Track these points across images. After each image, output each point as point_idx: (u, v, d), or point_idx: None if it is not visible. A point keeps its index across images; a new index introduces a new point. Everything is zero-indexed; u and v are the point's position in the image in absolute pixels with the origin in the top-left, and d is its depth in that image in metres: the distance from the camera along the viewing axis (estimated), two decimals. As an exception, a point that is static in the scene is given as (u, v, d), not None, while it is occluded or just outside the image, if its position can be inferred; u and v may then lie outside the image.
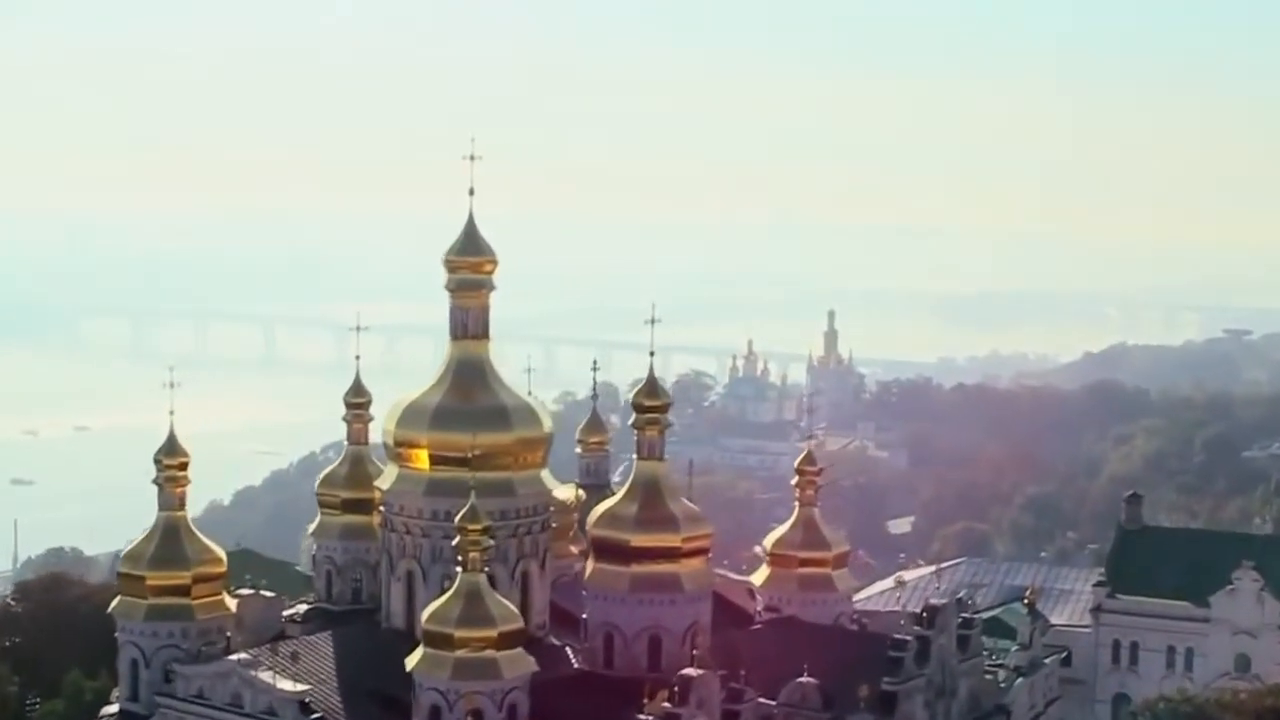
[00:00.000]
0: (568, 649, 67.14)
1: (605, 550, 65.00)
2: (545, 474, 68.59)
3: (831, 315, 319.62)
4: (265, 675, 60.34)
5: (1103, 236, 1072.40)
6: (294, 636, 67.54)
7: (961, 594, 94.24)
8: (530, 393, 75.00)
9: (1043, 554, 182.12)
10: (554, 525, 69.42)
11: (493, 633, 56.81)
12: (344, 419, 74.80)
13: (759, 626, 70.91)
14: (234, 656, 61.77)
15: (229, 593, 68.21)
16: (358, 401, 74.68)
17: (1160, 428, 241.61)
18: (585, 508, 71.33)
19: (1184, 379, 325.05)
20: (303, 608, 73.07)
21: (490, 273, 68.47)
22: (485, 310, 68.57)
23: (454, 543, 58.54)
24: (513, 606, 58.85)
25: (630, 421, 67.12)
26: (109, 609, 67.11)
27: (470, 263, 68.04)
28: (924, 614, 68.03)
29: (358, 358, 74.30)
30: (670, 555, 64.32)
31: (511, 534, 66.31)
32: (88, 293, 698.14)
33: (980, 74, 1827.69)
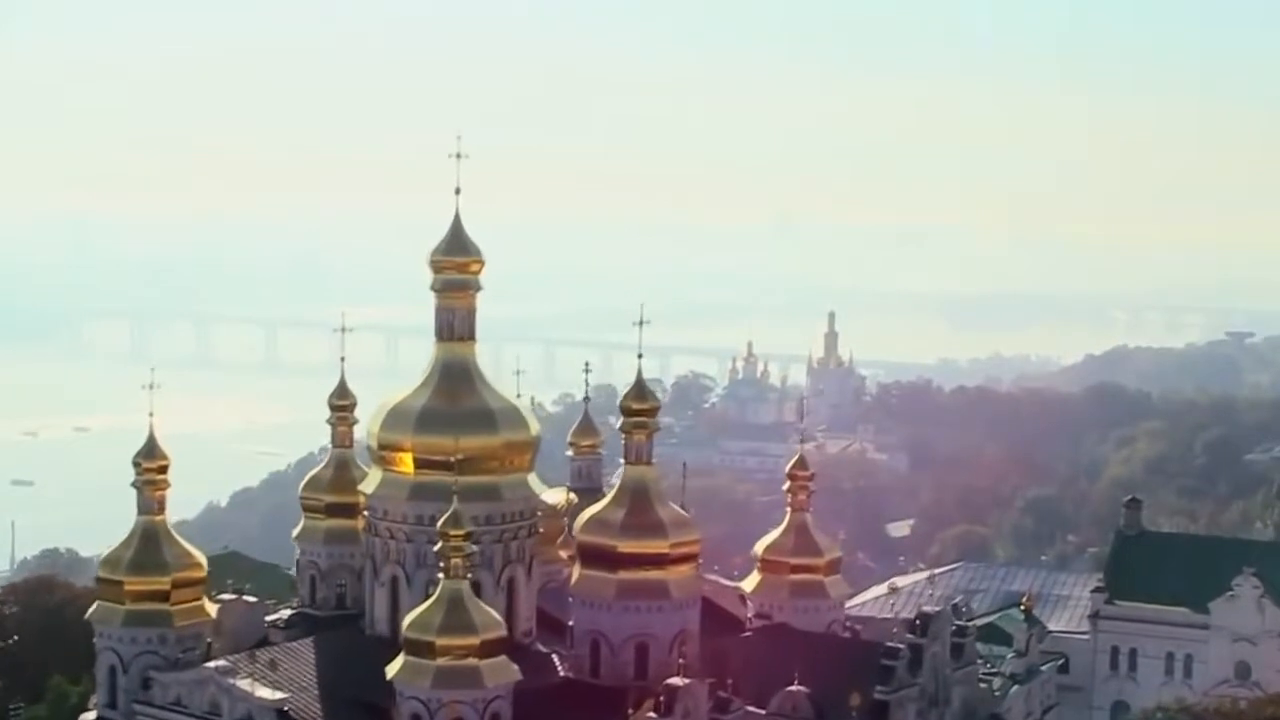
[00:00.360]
0: (554, 656, 65.92)
1: (592, 556, 63.81)
2: (532, 478, 67.43)
3: (832, 317, 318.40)
4: (243, 683, 59.15)
5: (1107, 239, 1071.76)
6: (277, 642, 66.46)
7: (957, 600, 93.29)
8: (519, 395, 74.10)
9: (1043, 557, 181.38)
10: (541, 530, 68.26)
11: (475, 641, 55.67)
12: (328, 421, 73.65)
13: (749, 634, 69.66)
14: (212, 664, 60.59)
15: (210, 598, 67.05)
16: (342, 404, 73.56)
17: (1162, 430, 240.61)
18: (576, 512, 70.11)
19: (1186, 381, 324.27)
20: (286, 613, 71.81)
21: (477, 273, 67.26)
22: (472, 311, 67.36)
23: (436, 548, 57.36)
24: (496, 614, 57.69)
25: (618, 425, 65.97)
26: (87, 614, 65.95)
27: (456, 263, 66.86)
28: (917, 621, 66.87)
29: (342, 359, 73.14)
30: (658, 562, 63.10)
31: (497, 539, 65.14)
32: (89, 295, 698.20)
33: (982, 75, 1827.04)
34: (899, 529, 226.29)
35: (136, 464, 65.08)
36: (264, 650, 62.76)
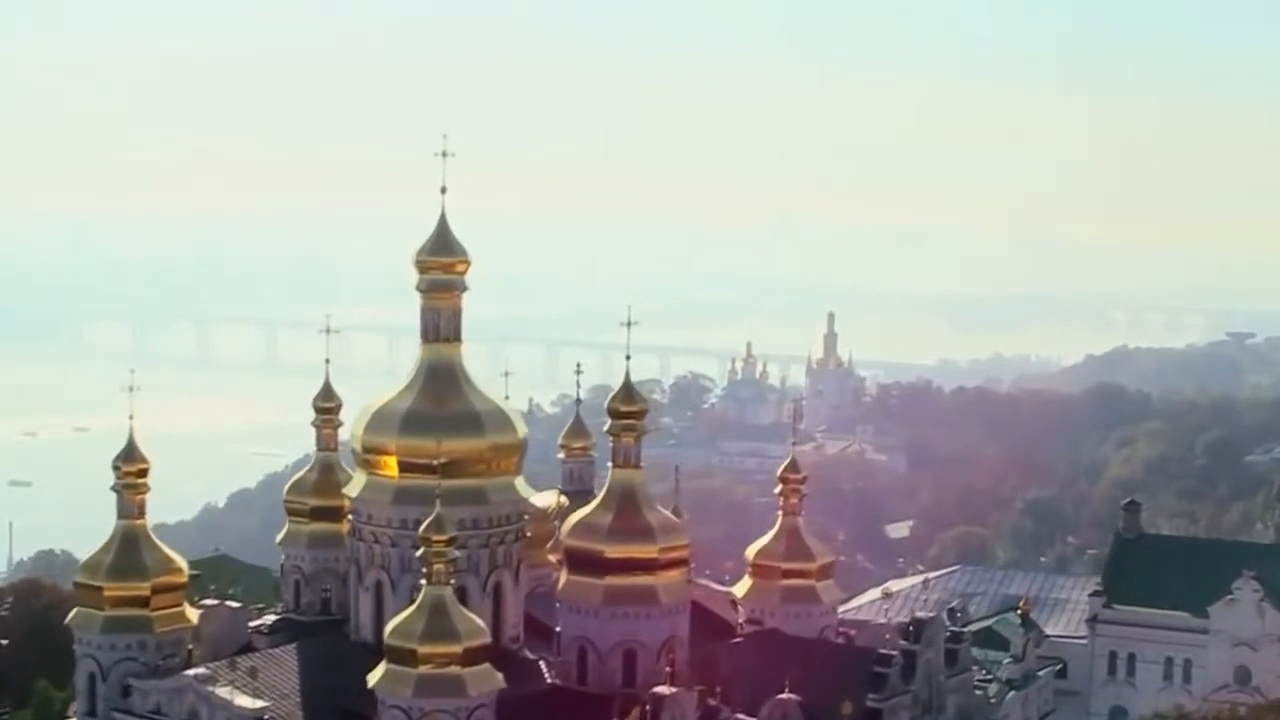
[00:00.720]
0: (541, 663, 64.81)
1: (579, 561, 62.68)
2: (519, 481, 66.37)
3: (831, 317, 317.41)
4: (223, 691, 58.04)
5: (1107, 240, 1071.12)
6: (260, 648, 65.40)
7: (953, 604, 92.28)
8: (507, 397, 73.05)
9: (1042, 558, 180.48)
10: (529, 534, 67.20)
11: (457, 648, 54.52)
12: (313, 424, 72.54)
13: (740, 640, 68.49)
14: (191, 671, 59.48)
15: (193, 603, 66.00)
16: (327, 406, 72.40)
17: (1162, 431, 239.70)
18: (567, 515, 69.03)
19: (1186, 382, 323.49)
20: (271, 618, 70.73)
21: (463, 273, 66.17)
22: (457, 312, 66.26)
23: (418, 554, 56.27)
24: (479, 620, 56.52)
25: (605, 428, 64.92)
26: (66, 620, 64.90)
27: (442, 263, 65.76)
28: (910, 627, 65.74)
29: (327, 361, 72.00)
30: (646, 567, 61.93)
31: (484, 544, 64.10)
32: (88, 295, 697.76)
33: (983, 76, 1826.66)
34: (898, 530, 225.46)
35: (116, 467, 64.08)
36: (245, 657, 61.60)
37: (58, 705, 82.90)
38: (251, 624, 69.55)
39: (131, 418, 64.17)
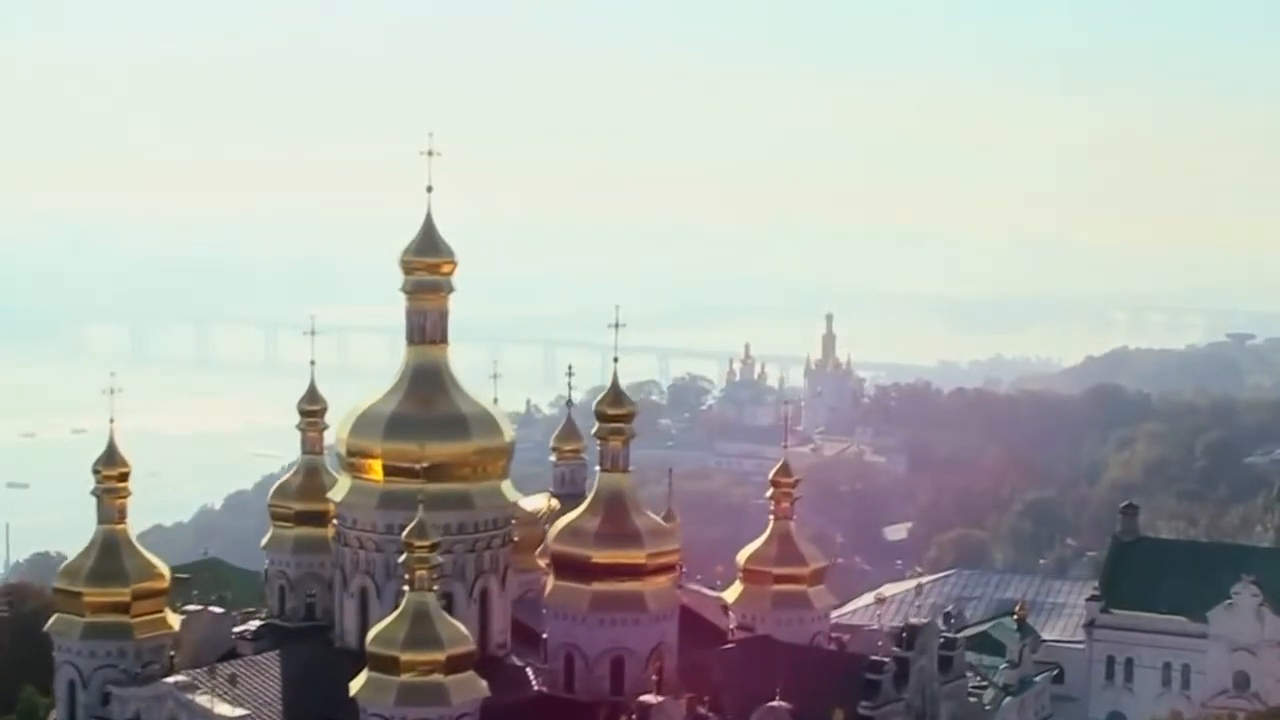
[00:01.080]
0: (529, 670, 63.81)
1: (566, 567, 61.63)
2: (506, 485, 65.37)
3: (830, 319, 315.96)
4: (203, 699, 57.10)
5: (1107, 240, 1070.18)
6: (245, 654, 64.49)
7: (949, 608, 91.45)
8: (496, 400, 72.14)
9: (1041, 561, 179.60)
10: (518, 538, 66.21)
11: (440, 656, 53.54)
12: (298, 427, 71.54)
13: (731, 646, 67.44)
14: (171, 679, 58.52)
15: (175, 609, 65.05)
16: (312, 409, 71.38)
17: (1161, 433, 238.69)
18: (557, 518, 68.01)
19: (1186, 383, 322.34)
20: (255, 624, 69.70)
21: (449, 274, 65.20)
22: (444, 313, 65.31)
23: (401, 560, 55.29)
24: (463, 628, 55.51)
25: (593, 431, 63.98)
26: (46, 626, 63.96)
27: (428, 263, 64.81)
28: (903, 634, 64.74)
29: (312, 363, 71.07)
30: (634, 573, 60.85)
31: (470, 549, 63.13)
32: (88, 296, 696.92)
33: (983, 77, 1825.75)
34: (896, 532, 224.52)
35: (96, 471, 63.13)
36: (226, 664, 60.66)
37: (42, 712, 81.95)
38: (236, 630, 68.60)
39: (112, 420, 63.28)
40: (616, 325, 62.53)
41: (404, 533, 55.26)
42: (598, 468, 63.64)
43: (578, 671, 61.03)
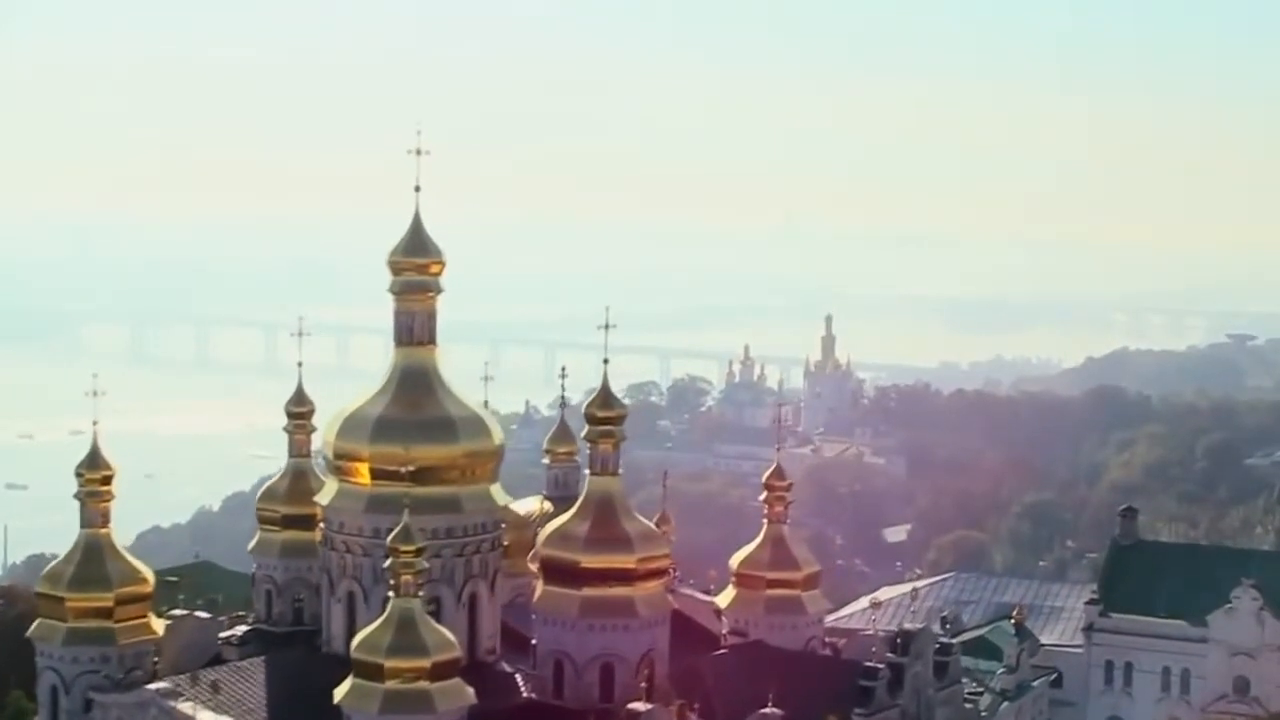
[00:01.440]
0: (518, 676, 62.95)
1: (555, 572, 60.76)
2: (496, 488, 64.42)
3: (829, 320, 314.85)
4: (185, 706, 56.23)
5: (1108, 241, 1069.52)
6: (231, 660, 63.65)
7: (946, 612, 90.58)
8: (486, 402, 71.36)
9: (1041, 563, 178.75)
10: (506, 543, 65.32)
11: (425, 663, 52.62)
12: (285, 430, 70.67)
13: (723, 652, 66.57)
14: (153, 685, 57.64)
15: (160, 614, 64.19)
16: (299, 411, 70.49)
17: (1162, 434, 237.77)
18: (549, 522, 67.12)
19: (1187, 384, 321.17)
20: (242, 629, 68.84)
21: (438, 274, 64.22)
22: (432, 314, 64.29)
23: (386, 565, 54.41)
24: (449, 634, 54.59)
25: (583, 434, 63.14)
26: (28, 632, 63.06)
27: (416, 264, 63.81)
28: (897, 639, 63.90)
29: (299, 364, 70.18)
30: (624, 578, 59.97)
31: (458, 553, 62.22)
32: (89, 297, 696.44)
33: (983, 78, 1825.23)
34: (896, 534, 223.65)
35: (79, 474, 62.21)
36: (210, 670, 59.78)
37: (30, 717, 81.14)
38: (222, 635, 67.77)
39: (96, 423, 62.34)
40: (606, 326, 61.61)
41: (389, 538, 54.37)
42: (586, 471, 62.78)
43: (567, 678, 60.19)
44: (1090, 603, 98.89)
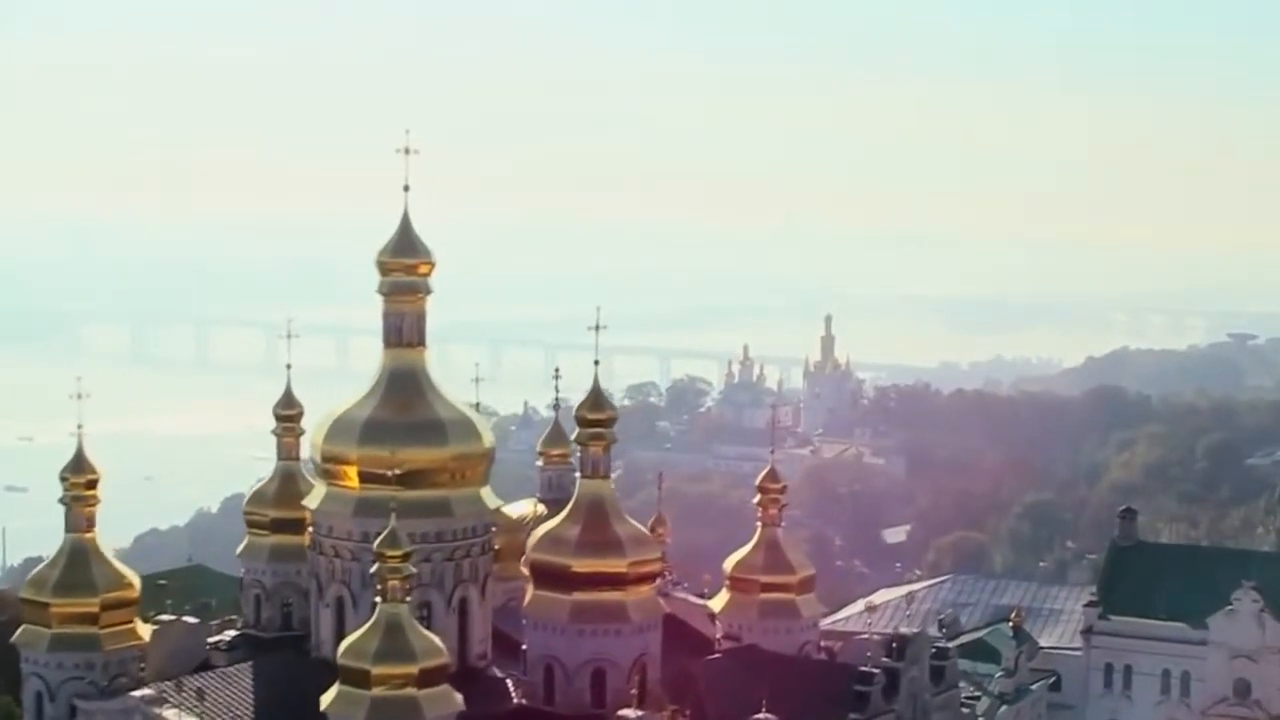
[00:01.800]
0: (509, 681, 62.16)
1: (545, 576, 59.95)
2: (486, 491, 63.61)
3: (829, 320, 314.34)
4: (170, 713, 55.44)
5: (1109, 241, 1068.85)
6: (219, 665, 62.85)
7: (943, 615, 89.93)
8: (478, 404, 70.58)
9: (1041, 564, 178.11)
10: (498, 546, 64.51)
11: (413, 669, 51.80)
12: (274, 432, 69.88)
13: (717, 657, 65.72)
14: (138, 692, 56.83)
15: (147, 619, 63.36)
16: (288, 414, 69.68)
17: (1162, 434, 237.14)
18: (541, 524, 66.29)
19: (1187, 384, 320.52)
20: (230, 634, 68.04)
21: (426, 275, 63.39)
22: (421, 315, 63.44)
23: (372, 570, 53.63)
24: (437, 640, 53.75)
25: (574, 436, 62.34)
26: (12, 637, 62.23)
27: (405, 264, 62.99)
28: (893, 643, 63.11)
29: (288, 366, 69.42)
30: (615, 582, 59.13)
31: (448, 557, 61.39)
32: (89, 298, 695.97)
33: (984, 78, 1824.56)
34: (895, 535, 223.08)
35: (64, 479, 61.37)
36: (196, 676, 58.99)
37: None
38: (211, 640, 66.95)
39: (80, 426, 61.42)
40: (597, 327, 60.94)
41: (375, 542, 53.57)
42: (577, 474, 62.02)
43: (558, 683, 59.40)
44: (1089, 605, 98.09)
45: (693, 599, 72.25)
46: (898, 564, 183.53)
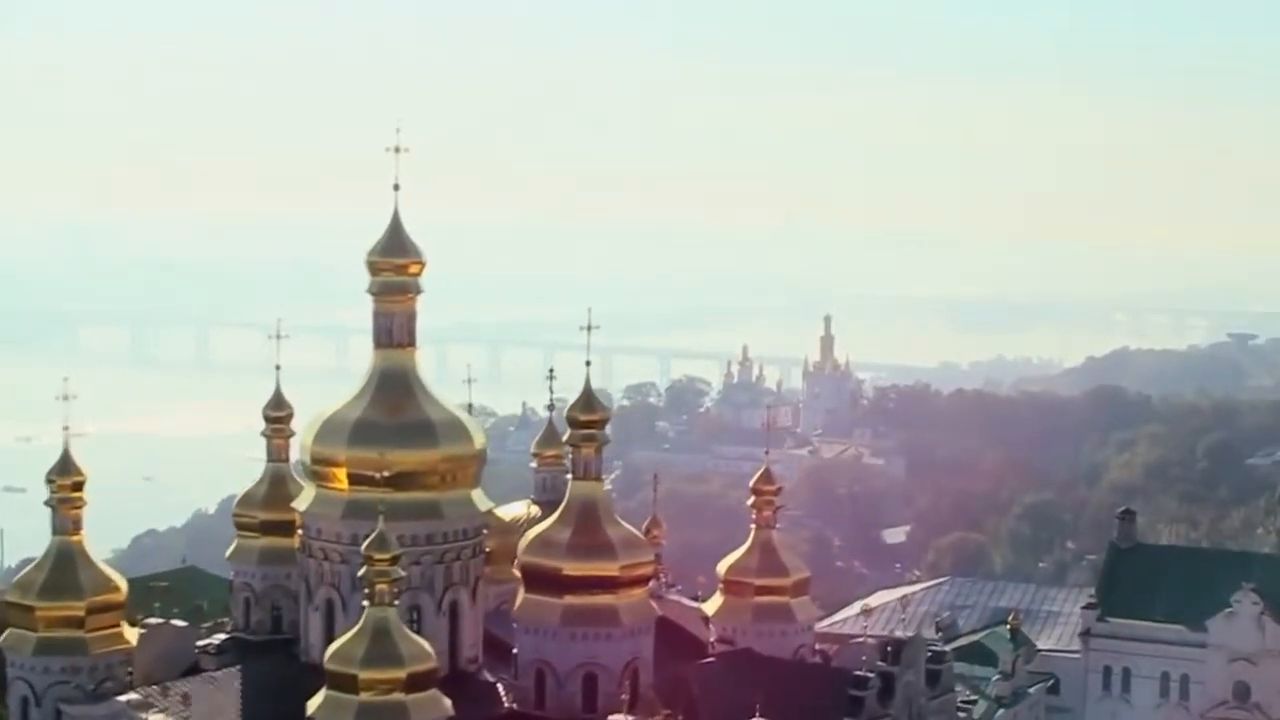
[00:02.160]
0: (500, 686, 61.52)
1: (536, 579, 59.27)
2: (477, 494, 62.94)
3: (828, 320, 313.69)
4: (157, 717, 54.83)
5: (1109, 241, 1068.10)
6: (208, 669, 62.24)
7: (941, 617, 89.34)
8: (470, 405, 69.95)
9: (1041, 564, 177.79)
10: (489, 549, 63.85)
11: (400, 674, 51.12)
12: (263, 434, 69.22)
13: (710, 660, 65.09)
14: (124, 697, 56.21)
15: (135, 623, 62.74)
16: (278, 415, 68.99)
17: (1162, 434, 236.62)
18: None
19: (1187, 384, 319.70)
20: (220, 638, 67.36)
21: (417, 275, 62.71)
22: (411, 316, 62.70)
23: (360, 573, 52.99)
24: (425, 644, 53.08)
25: (565, 437, 61.71)
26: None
27: (395, 264, 62.32)
28: (888, 647, 62.45)
29: (278, 367, 68.77)
30: (607, 585, 58.42)
31: (439, 560, 60.75)
32: (89, 299, 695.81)
33: (984, 78, 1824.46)
34: (895, 535, 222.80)
35: (50, 481, 60.80)
36: (183, 681, 58.38)
37: (8, 728, 79.81)
38: (200, 644, 66.27)
39: (66, 428, 60.86)
40: (589, 328, 60.38)
41: (363, 545, 52.94)
42: (568, 476, 61.41)
43: (549, 688, 58.69)
44: (1088, 607, 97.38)
45: (686, 602, 71.63)
46: (897, 565, 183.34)
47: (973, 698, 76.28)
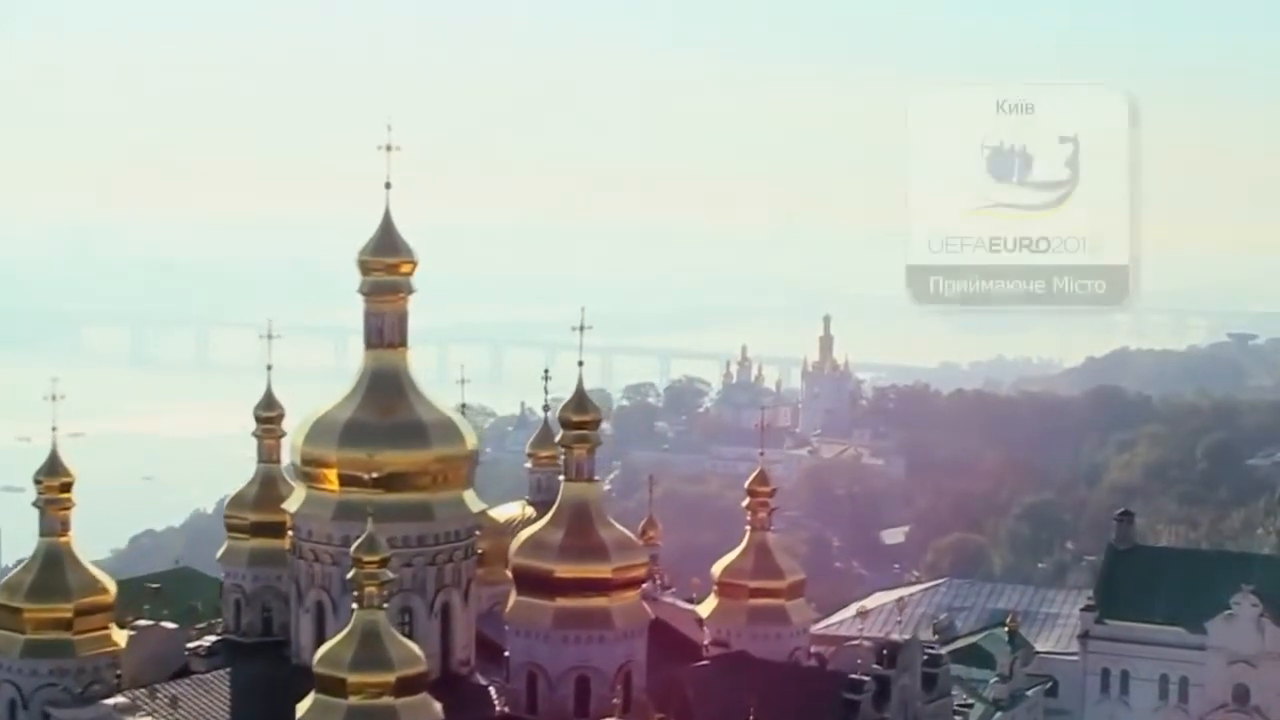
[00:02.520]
0: (492, 689, 61.06)
1: (528, 581, 58.80)
2: (469, 495, 62.60)
3: (827, 320, 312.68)
4: (143, 721, 54.36)
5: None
6: (199, 672, 61.78)
7: (939, 618, 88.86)
8: (464, 406, 69.53)
9: (1040, 565, 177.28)
10: (481, 551, 63.46)
11: (390, 677, 50.63)
12: (254, 434, 68.79)
13: (704, 664, 64.65)
14: (110, 700, 55.72)
15: (124, 624, 62.29)
16: (268, 415, 68.58)
17: (1162, 435, 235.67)
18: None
19: (1187, 384, 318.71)
20: (210, 640, 66.89)
21: (408, 274, 62.42)
22: (403, 315, 62.46)
23: (349, 575, 52.49)
24: (415, 647, 52.61)
25: (558, 438, 61.23)
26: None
27: (386, 263, 62.04)
28: (884, 650, 61.98)
29: (269, 367, 68.35)
30: (600, 588, 57.96)
31: (430, 561, 60.41)
32: (89, 298, 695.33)
33: (984, 78, 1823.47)
34: (894, 536, 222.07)
35: (37, 481, 60.56)
36: (172, 684, 57.92)
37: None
38: (190, 646, 65.81)
39: (54, 428, 60.60)
40: (581, 328, 59.88)
41: (352, 547, 52.48)
42: (560, 477, 60.94)
43: (540, 691, 58.22)
44: (1086, 609, 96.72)
45: (681, 604, 71.18)
46: (896, 565, 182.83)
47: (970, 700, 75.87)
